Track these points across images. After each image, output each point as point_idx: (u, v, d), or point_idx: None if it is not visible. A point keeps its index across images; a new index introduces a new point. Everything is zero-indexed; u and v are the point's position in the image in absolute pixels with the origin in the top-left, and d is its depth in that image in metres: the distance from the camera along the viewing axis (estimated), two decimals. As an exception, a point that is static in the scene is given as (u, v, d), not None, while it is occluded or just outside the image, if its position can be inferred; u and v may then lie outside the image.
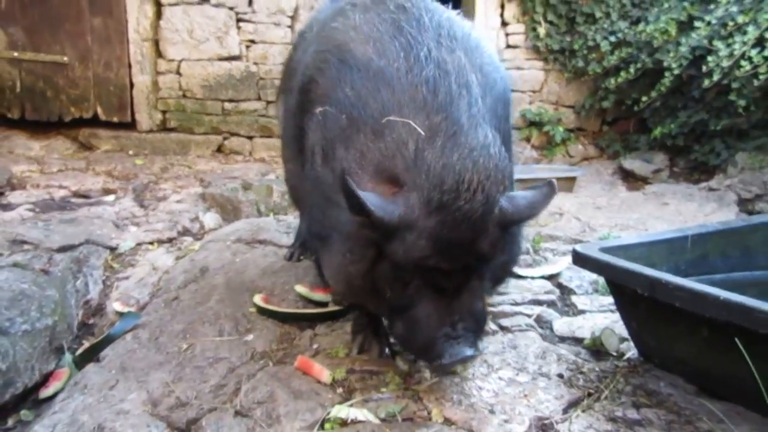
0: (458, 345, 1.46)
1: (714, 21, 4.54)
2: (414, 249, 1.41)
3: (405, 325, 1.53)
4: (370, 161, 1.49)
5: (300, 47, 2.16)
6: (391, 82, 1.52)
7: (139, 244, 3.04)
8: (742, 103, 4.35)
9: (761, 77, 4.05)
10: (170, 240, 3.17)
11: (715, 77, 4.32)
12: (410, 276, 1.47)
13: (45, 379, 1.95)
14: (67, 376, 1.95)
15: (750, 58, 4.14)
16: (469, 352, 1.47)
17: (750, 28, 4.21)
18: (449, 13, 1.81)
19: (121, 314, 2.29)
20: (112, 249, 2.91)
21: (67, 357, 2.06)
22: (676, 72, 4.72)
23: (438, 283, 1.47)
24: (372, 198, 1.38)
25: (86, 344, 2.16)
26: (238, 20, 5.26)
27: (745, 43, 4.21)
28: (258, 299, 2.22)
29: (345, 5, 1.89)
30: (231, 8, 5.23)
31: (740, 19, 4.34)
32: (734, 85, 4.33)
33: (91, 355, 2.01)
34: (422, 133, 1.43)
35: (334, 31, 1.75)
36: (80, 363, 1.99)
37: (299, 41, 2.23)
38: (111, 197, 3.81)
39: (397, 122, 1.46)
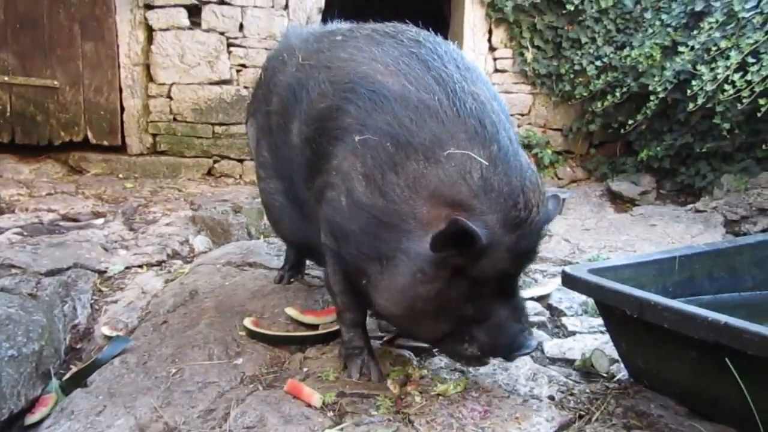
0: (528, 334, 1.71)
1: (697, 46, 4.63)
2: (499, 262, 1.59)
3: (488, 332, 1.69)
4: (424, 186, 1.60)
5: (280, 70, 2.15)
6: (437, 114, 1.64)
7: (128, 268, 3.02)
8: (726, 126, 4.41)
9: (744, 101, 4.12)
10: (160, 263, 3.15)
11: (700, 101, 4.40)
12: (488, 288, 1.65)
13: (31, 405, 1.92)
14: (53, 402, 1.92)
15: (733, 82, 4.21)
16: (534, 340, 1.72)
17: (732, 53, 4.30)
18: (452, 45, 1.92)
19: (109, 338, 2.27)
20: (101, 272, 2.89)
21: (54, 382, 2.03)
22: (661, 96, 4.79)
23: (507, 287, 1.71)
24: (477, 229, 1.51)
25: (73, 369, 2.13)
26: (229, 45, 5.30)
27: (728, 68, 4.29)
28: (248, 322, 2.20)
29: (338, 36, 1.96)
30: (222, 33, 5.27)
31: (723, 44, 4.43)
32: (718, 109, 4.40)
33: (79, 380, 1.98)
34: (485, 163, 1.58)
35: (350, 62, 1.82)
36: (67, 388, 1.97)
37: (276, 66, 2.21)
38: (100, 220, 3.79)
39: (456, 153, 1.59)
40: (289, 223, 2.24)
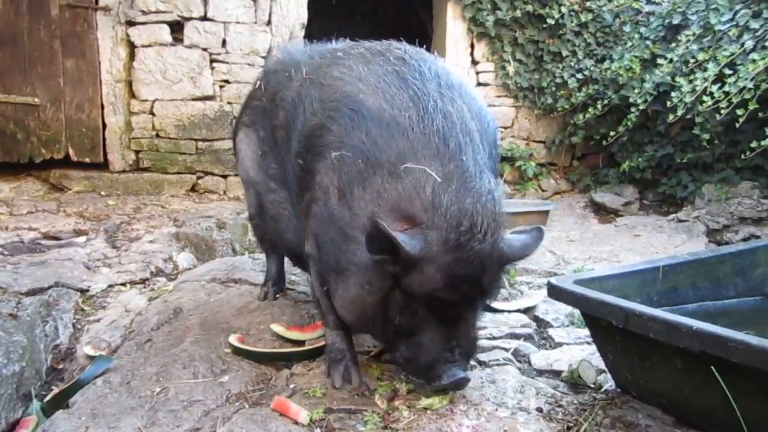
0: (455, 368, 1.65)
1: (676, 58, 4.71)
2: (430, 281, 1.57)
3: (410, 348, 1.69)
4: (386, 201, 1.63)
5: (280, 88, 2.20)
6: (405, 131, 1.67)
7: (111, 286, 2.98)
8: (705, 137, 4.48)
9: (722, 112, 4.19)
10: (143, 281, 3.12)
11: (679, 112, 4.47)
12: (420, 305, 1.63)
13: (12, 428, 1.88)
14: (34, 424, 1.87)
15: (711, 94, 4.29)
16: (462, 374, 1.66)
17: (710, 65, 4.38)
18: (442, 62, 1.96)
19: (91, 358, 2.23)
20: (83, 291, 2.85)
21: (35, 404, 1.99)
22: (641, 108, 4.87)
23: (443, 313, 1.65)
24: (400, 235, 1.54)
25: (55, 390, 2.09)
26: (212, 61, 5.30)
27: (706, 80, 4.37)
28: (233, 339, 2.18)
29: (338, 53, 2.02)
30: (204, 49, 5.27)
31: (700, 56, 4.52)
32: (698, 120, 4.47)
33: (61, 401, 1.94)
34: (438, 179, 1.58)
35: (339, 81, 1.87)
36: (49, 410, 1.93)
37: (280, 80, 2.25)
38: (82, 239, 3.74)
39: (414, 168, 1.61)
40: (293, 234, 2.27)
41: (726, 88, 4.21)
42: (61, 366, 2.33)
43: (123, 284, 3.03)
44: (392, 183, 1.63)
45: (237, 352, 2.13)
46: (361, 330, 1.97)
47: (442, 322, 1.66)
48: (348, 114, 1.76)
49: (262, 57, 5.33)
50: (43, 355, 2.28)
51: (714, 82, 4.33)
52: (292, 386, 1.90)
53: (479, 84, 5.88)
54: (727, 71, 4.27)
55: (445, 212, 1.55)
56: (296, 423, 1.68)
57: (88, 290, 2.88)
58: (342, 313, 1.82)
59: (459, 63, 5.79)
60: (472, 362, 2.04)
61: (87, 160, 5.25)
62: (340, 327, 1.96)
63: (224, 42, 5.29)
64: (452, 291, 1.59)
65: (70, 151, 5.23)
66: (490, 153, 1.80)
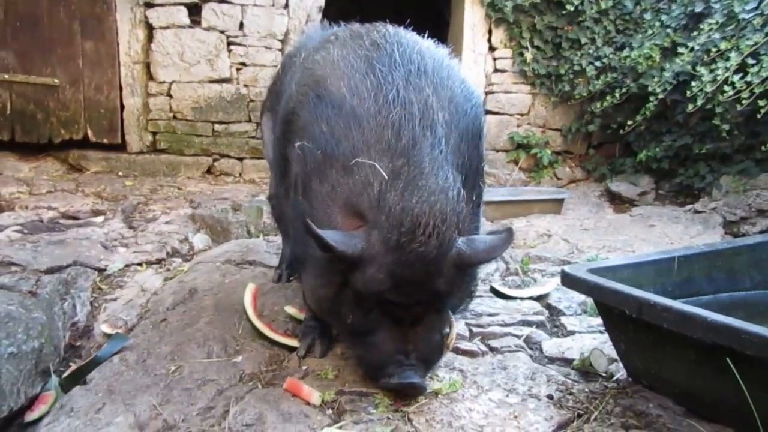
0: (408, 371, 1.60)
1: (697, 47, 4.64)
2: (372, 282, 1.54)
3: (362, 348, 1.68)
4: (340, 195, 1.61)
5: (287, 71, 2.21)
6: (362, 122, 1.61)
7: (127, 266, 3.02)
8: (725, 127, 4.42)
9: (744, 102, 4.13)
10: (159, 261, 3.15)
11: (699, 102, 4.40)
12: (370, 305, 1.60)
13: (31, 403, 1.92)
14: (53, 399, 1.92)
15: (733, 84, 4.22)
16: (415, 379, 1.59)
17: (732, 54, 4.30)
18: (421, 45, 1.85)
19: (108, 336, 2.27)
20: (101, 270, 2.89)
21: (54, 380, 2.03)
22: (660, 97, 4.80)
23: (395, 314, 1.60)
24: (332, 235, 1.52)
25: (73, 367, 2.13)
26: (229, 43, 5.30)
27: (727, 69, 4.29)
28: (249, 296, 2.31)
29: (330, 36, 1.98)
30: (222, 32, 5.27)
31: (723, 45, 4.44)
32: (717, 110, 4.40)
33: (78, 377, 1.98)
34: (385, 176, 1.53)
35: (316, 64, 1.83)
36: (67, 386, 1.97)
37: (288, 64, 2.27)
38: (100, 219, 3.79)
39: (364, 163, 1.57)
40: None
41: (748, 78, 4.14)
42: (78, 343, 2.37)
43: (139, 264, 3.07)
44: (345, 178, 1.60)
45: (252, 324, 2.20)
46: (324, 320, 1.95)
47: (396, 324, 1.61)
48: (313, 100, 1.71)
49: (279, 40, 5.33)
50: (61, 332, 2.32)
51: (736, 72, 4.26)
52: (304, 368, 1.92)
53: (496, 70, 5.83)
54: (750, 61, 4.19)
55: (389, 211, 1.50)
56: (308, 404, 1.70)
57: (105, 269, 2.92)
58: (307, 301, 1.87)
59: (476, 49, 5.74)
60: (484, 348, 2.05)
61: (105, 141, 5.29)
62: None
63: (241, 24, 5.28)
64: (399, 293, 1.54)
65: (89, 132, 5.27)
66: (459, 147, 1.70)
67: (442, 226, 1.50)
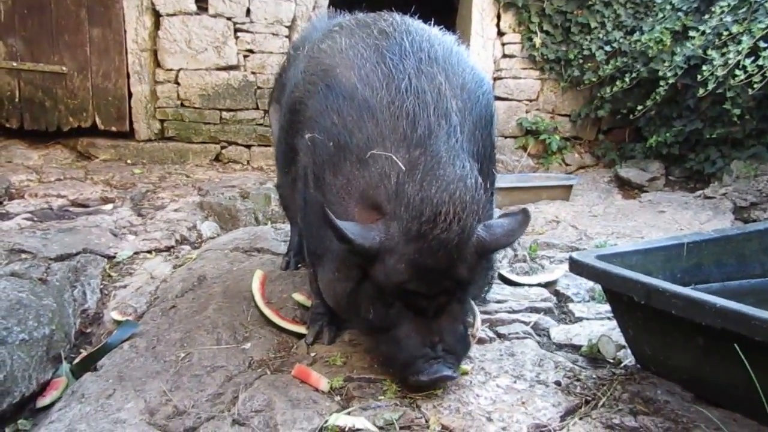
0: (437, 364, 1.57)
1: (708, 31, 4.58)
2: (394, 273, 1.52)
3: (387, 344, 1.64)
4: (355, 188, 1.60)
5: (293, 62, 2.19)
6: (375, 113, 1.60)
7: (136, 253, 3.04)
8: (736, 112, 4.38)
9: (755, 86, 4.08)
10: (168, 249, 3.17)
11: (710, 86, 4.36)
12: (392, 298, 1.58)
13: (42, 389, 1.95)
14: (64, 386, 1.94)
15: (744, 68, 4.17)
16: (447, 372, 1.57)
17: (744, 38, 4.25)
18: (429, 33, 1.84)
19: (118, 323, 2.28)
20: (110, 258, 2.91)
21: (65, 366, 2.05)
22: (670, 81, 4.76)
23: (418, 306, 1.58)
24: (351, 227, 1.51)
25: (84, 353, 2.15)
26: (236, 30, 5.28)
27: (739, 53, 4.24)
28: (257, 282, 2.31)
29: (335, 26, 1.95)
30: (229, 18, 5.25)
31: (734, 29, 4.38)
32: (729, 95, 4.36)
33: (89, 364, 2.00)
34: (402, 167, 1.52)
35: (323, 53, 1.81)
36: (77, 372, 1.99)
37: (294, 54, 2.26)
38: (109, 206, 3.81)
39: (380, 155, 1.56)
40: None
41: (760, 62, 4.09)
42: (89, 330, 2.39)
43: (148, 251, 3.08)
44: (360, 170, 1.58)
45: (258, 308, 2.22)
46: (342, 316, 1.89)
47: (420, 317, 1.59)
48: (323, 90, 1.70)
49: (286, 27, 5.31)
50: (71, 319, 2.35)
51: (748, 56, 4.21)
52: (312, 354, 1.93)
53: (505, 56, 5.78)
54: (762, 44, 4.14)
55: (408, 202, 1.49)
56: (317, 390, 1.71)
57: (114, 257, 2.94)
58: (324, 297, 1.84)
59: (485, 34, 5.70)
60: (491, 335, 2.06)
61: (113, 128, 5.31)
62: (321, 296, 1.97)
63: (248, 11, 5.26)
64: (421, 282, 1.53)
65: (97, 120, 5.29)
66: (474, 134, 1.70)
67: (462, 213, 1.50)
